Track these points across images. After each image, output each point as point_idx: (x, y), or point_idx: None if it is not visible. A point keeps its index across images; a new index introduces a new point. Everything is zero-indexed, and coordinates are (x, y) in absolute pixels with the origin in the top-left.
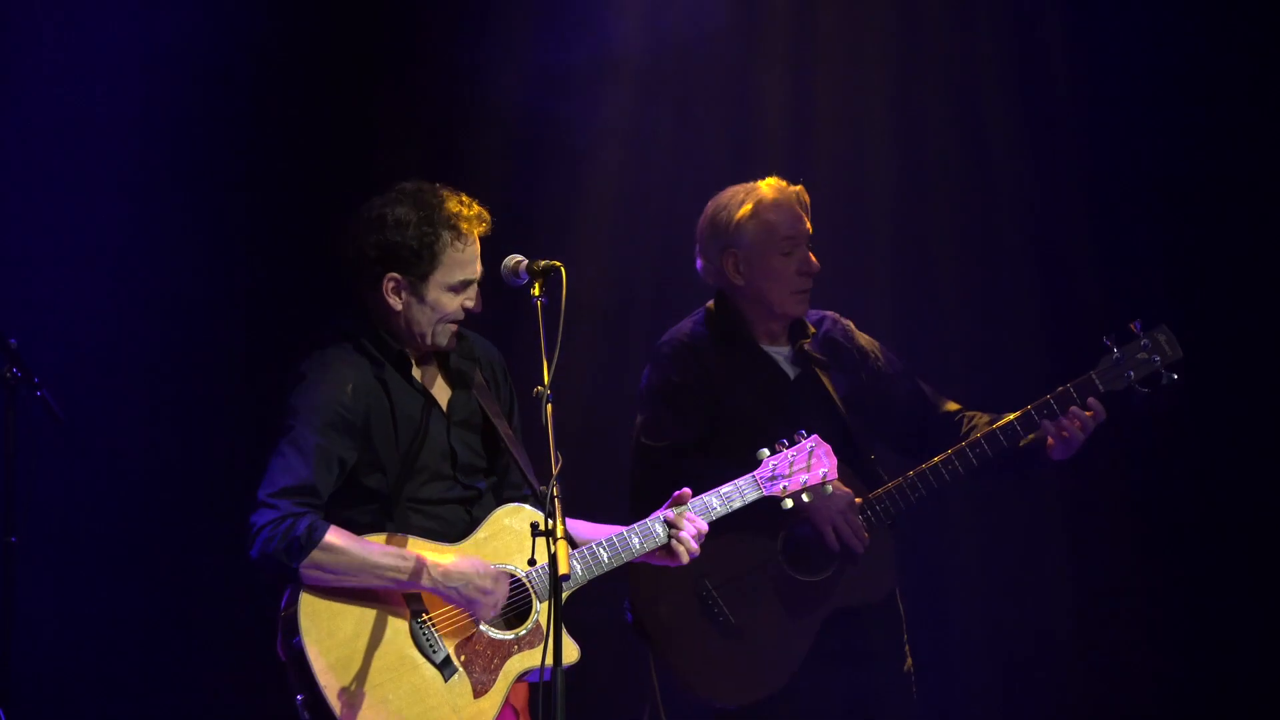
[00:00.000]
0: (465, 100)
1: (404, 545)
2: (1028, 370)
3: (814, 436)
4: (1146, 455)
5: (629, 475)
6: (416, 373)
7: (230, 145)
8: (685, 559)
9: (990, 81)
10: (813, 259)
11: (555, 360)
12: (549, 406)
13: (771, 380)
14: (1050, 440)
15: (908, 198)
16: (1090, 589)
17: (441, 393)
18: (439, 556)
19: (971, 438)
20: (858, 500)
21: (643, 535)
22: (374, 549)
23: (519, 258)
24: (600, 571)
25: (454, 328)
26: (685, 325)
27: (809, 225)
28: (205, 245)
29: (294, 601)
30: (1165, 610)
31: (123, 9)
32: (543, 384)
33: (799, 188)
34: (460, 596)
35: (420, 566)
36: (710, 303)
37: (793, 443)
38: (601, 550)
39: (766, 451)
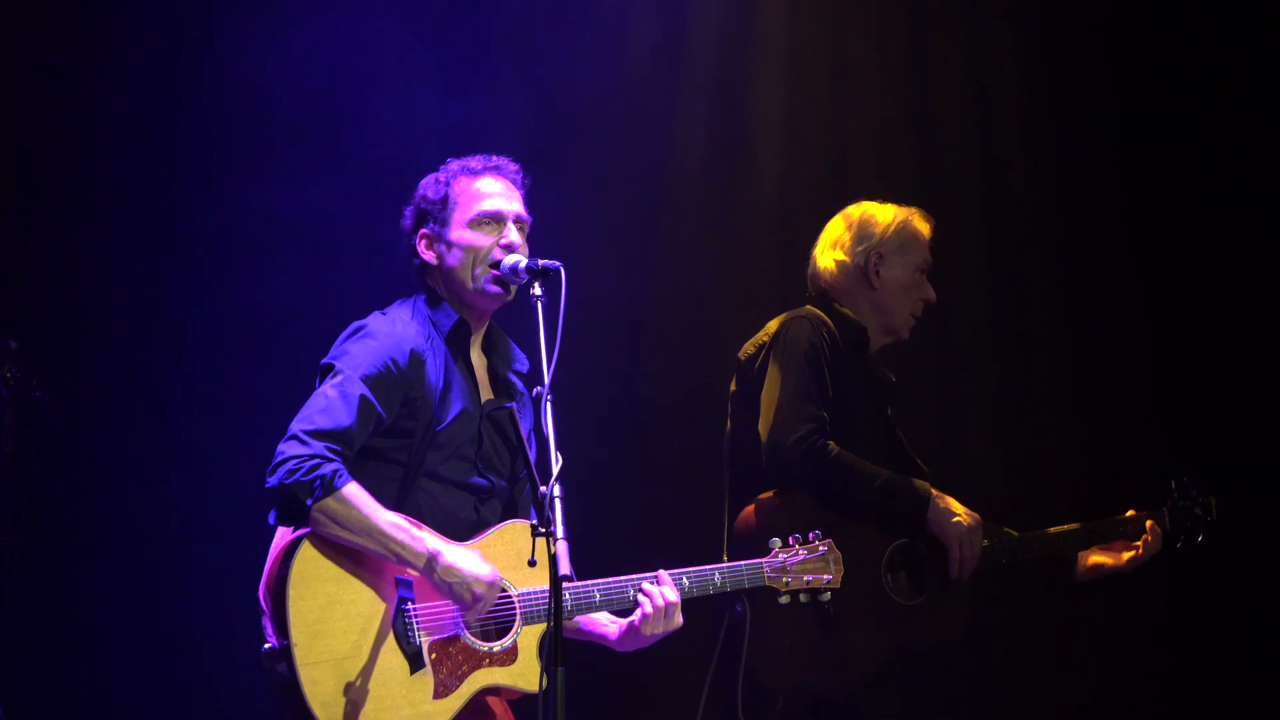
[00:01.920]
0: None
1: (416, 527)
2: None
3: (828, 541)
4: None
5: (786, 439)
6: (473, 352)
7: (232, 147)
8: (646, 617)
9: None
10: (932, 292)
11: (555, 361)
12: (548, 407)
13: (871, 394)
14: (1095, 564)
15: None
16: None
17: (484, 388)
18: (445, 546)
19: (1062, 527)
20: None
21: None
22: (386, 517)
23: (519, 256)
24: (590, 610)
25: (498, 274)
26: (813, 311)
27: None
28: (206, 246)
29: (291, 553)
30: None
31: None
32: (542, 384)
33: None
34: (452, 592)
35: (423, 549)
36: (811, 305)
37: (805, 541)
38: (596, 591)
39: (778, 542)
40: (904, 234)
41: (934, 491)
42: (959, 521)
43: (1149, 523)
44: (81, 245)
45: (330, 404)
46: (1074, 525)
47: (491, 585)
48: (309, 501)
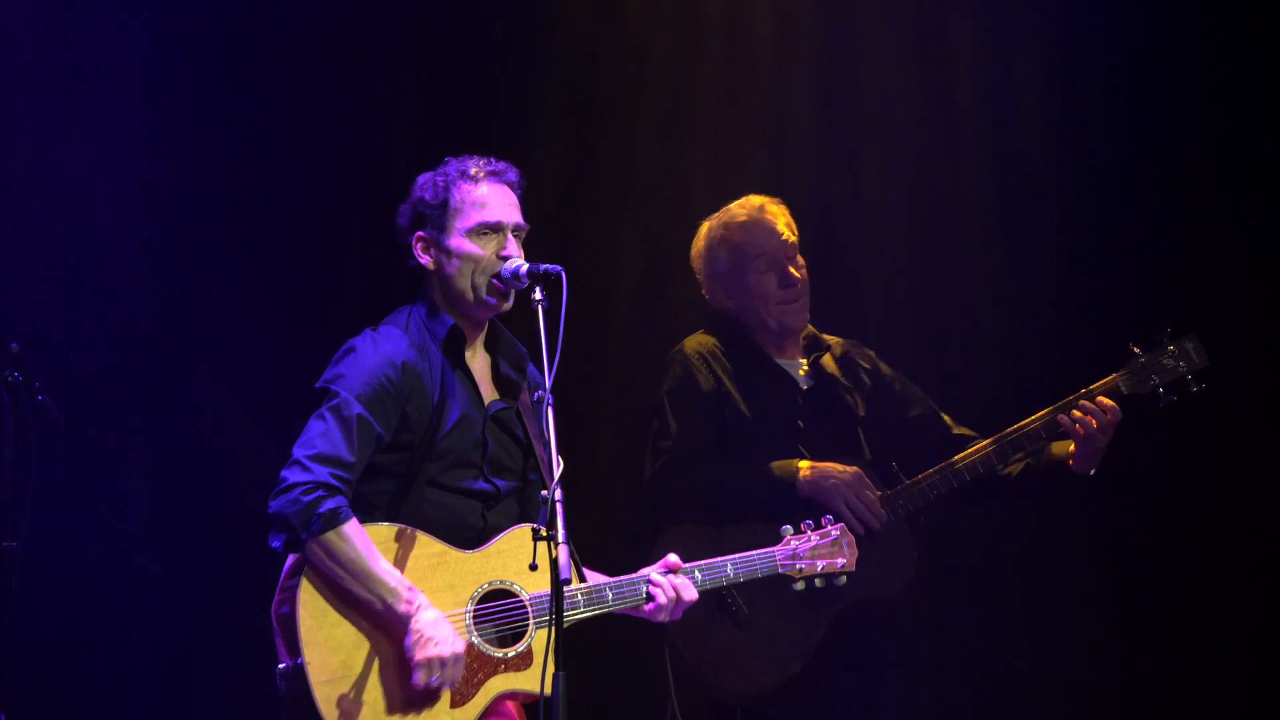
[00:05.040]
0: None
1: (418, 547)
2: (1048, 382)
3: (840, 525)
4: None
5: (645, 480)
6: (469, 356)
7: (231, 146)
8: (662, 613)
9: (1017, 72)
10: (792, 271)
11: (556, 364)
12: (550, 411)
13: (784, 392)
14: (1073, 451)
15: (926, 197)
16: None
17: (486, 389)
18: (421, 614)
19: (997, 436)
20: (878, 494)
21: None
22: (381, 564)
23: (520, 261)
24: (604, 610)
25: (499, 285)
26: (698, 335)
27: (789, 235)
28: (207, 248)
29: (298, 571)
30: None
31: (124, 7)
32: (544, 388)
33: (766, 201)
34: (417, 655)
35: (402, 610)
36: (707, 326)
37: (818, 527)
38: (608, 590)
39: (790, 530)
40: (724, 252)
41: (800, 466)
42: (834, 484)
43: (1098, 399)
44: (83, 244)
45: (329, 428)
46: (1014, 428)
47: (449, 663)
48: (305, 535)
